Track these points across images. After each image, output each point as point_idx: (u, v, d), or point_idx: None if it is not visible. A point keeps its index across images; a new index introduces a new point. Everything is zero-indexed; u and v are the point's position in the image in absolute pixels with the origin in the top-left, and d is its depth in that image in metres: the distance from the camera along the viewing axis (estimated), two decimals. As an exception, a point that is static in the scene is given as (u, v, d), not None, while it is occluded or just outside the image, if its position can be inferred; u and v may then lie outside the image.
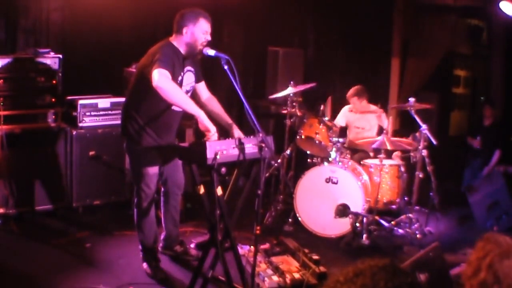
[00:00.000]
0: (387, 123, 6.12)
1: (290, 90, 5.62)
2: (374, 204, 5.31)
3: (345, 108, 6.39)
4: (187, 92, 4.11)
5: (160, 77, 3.67)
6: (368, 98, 6.22)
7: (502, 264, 1.98)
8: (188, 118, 4.79)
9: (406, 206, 5.56)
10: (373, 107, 6.28)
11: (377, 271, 1.49)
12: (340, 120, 6.36)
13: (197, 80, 4.22)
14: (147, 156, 4.06)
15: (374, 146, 5.35)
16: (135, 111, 4.03)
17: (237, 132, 3.96)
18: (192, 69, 4.13)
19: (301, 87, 5.74)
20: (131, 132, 4.06)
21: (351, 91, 6.22)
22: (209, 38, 3.95)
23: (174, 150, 4.06)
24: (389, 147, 5.25)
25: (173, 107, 3.96)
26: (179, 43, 3.99)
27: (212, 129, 3.63)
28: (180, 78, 3.98)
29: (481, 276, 1.98)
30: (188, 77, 4.10)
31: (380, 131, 6.10)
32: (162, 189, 4.43)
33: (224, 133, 4.05)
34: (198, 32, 3.93)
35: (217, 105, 4.24)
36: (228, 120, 4.10)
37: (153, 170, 4.12)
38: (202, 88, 4.30)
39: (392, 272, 1.50)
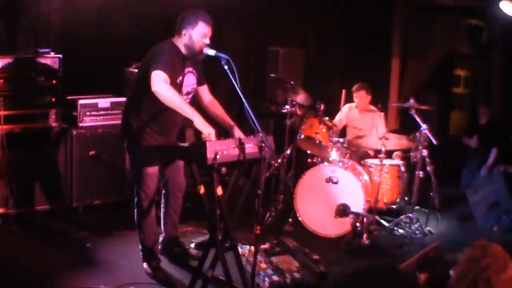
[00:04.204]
0: (383, 128, 6.10)
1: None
2: (374, 204, 5.31)
3: (345, 107, 6.37)
4: (188, 93, 4.10)
5: (156, 81, 3.67)
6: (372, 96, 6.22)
7: (498, 279, 1.97)
8: (188, 118, 4.79)
9: (406, 206, 5.57)
10: (372, 108, 6.28)
11: (376, 273, 1.49)
12: (338, 120, 6.33)
13: (199, 83, 4.21)
14: (147, 155, 4.06)
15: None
16: (136, 110, 4.03)
17: (237, 133, 3.96)
18: (194, 71, 4.12)
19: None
20: (132, 131, 4.06)
21: (358, 85, 6.16)
22: (207, 41, 3.91)
23: (174, 150, 4.05)
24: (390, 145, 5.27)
25: (171, 111, 3.95)
26: (180, 43, 3.99)
27: (210, 131, 3.61)
28: (180, 78, 3.98)
29: None
30: (189, 78, 4.09)
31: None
32: (163, 190, 4.43)
33: (225, 134, 4.04)
34: (196, 35, 3.90)
35: (219, 108, 4.23)
36: (230, 122, 4.09)
37: (153, 169, 4.12)
38: (205, 91, 4.29)
39: (392, 274, 1.50)
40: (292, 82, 5.58)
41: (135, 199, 4.19)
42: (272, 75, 6.63)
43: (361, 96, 6.16)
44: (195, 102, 4.24)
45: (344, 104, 6.25)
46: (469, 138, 7.05)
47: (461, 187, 6.83)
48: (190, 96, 4.14)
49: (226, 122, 4.11)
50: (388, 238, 5.26)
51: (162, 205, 4.46)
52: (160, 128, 4.05)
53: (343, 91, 6.18)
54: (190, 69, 4.07)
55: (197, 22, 3.89)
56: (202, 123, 3.63)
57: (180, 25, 3.95)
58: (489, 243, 2.08)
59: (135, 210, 4.22)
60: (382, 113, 6.20)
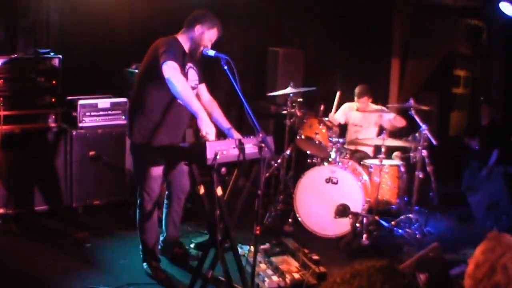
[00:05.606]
0: (392, 116, 6.03)
1: (289, 90, 5.59)
2: (374, 204, 5.31)
3: (346, 106, 6.33)
4: (192, 88, 4.10)
5: (169, 70, 3.70)
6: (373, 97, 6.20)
7: None
8: (189, 118, 4.79)
9: (406, 206, 5.56)
10: (374, 106, 6.26)
11: (373, 273, 1.50)
12: (340, 116, 6.29)
13: (199, 81, 4.23)
14: (151, 157, 4.05)
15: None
16: (140, 110, 4.04)
17: (235, 136, 3.95)
18: (195, 67, 4.14)
19: (300, 89, 5.67)
20: (135, 132, 4.06)
21: (361, 90, 6.10)
22: (209, 46, 4.03)
23: (174, 151, 4.05)
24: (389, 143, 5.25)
25: (177, 107, 3.95)
26: (185, 39, 4.02)
27: (209, 131, 3.61)
28: (184, 71, 3.99)
29: (496, 278, 2.04)
30: (192, 73, 4.12)
31: (380, 131, 6.07)
32: (166, 191, 4.42)
33: (224, 134, 4.04)
34: (207, 36, 4.00)
35: (217, 108, 4.23)
36: (227, 124, 4.10)
37: (157, 171, 4.11)
38: (203, 90, 4.30)
39: (389, 273, 1.50)
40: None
41: (138, 201, 4.19)
42: None
43: (363, 102, 6.12)
44: None
45: (338, 104, 6.19)
46: (471, 139, 7.04)
47: (462, 188, 6.83)
48: (194, 91, 4.13)
49: (222, 125, 4.10)
50: (388, 238, 5.26)
51: (164, 206, 4.46)
52: (163, 129, 4.04)
53: (338, 92, 6.14)
54: (191, 65, 4.10)
55: (214, 27, 4.02)
56: (205, 121, 3.62)
57: (196, 20, 4.00)
58: (501, 233, 2.18)
59: (137, 211, 4.21)
60: (384, 109, 6.16)
